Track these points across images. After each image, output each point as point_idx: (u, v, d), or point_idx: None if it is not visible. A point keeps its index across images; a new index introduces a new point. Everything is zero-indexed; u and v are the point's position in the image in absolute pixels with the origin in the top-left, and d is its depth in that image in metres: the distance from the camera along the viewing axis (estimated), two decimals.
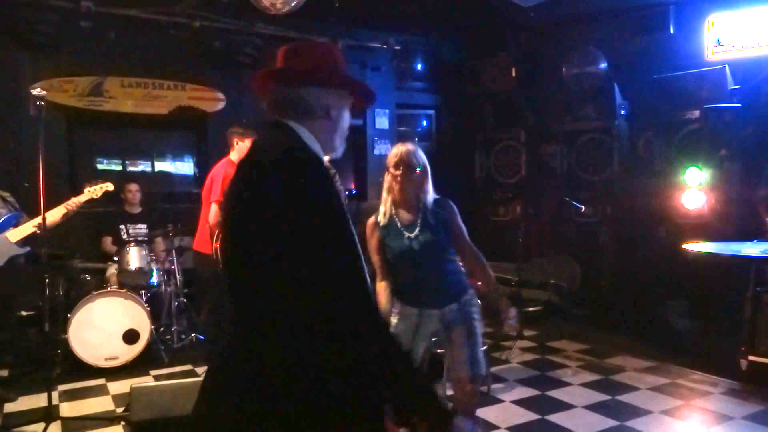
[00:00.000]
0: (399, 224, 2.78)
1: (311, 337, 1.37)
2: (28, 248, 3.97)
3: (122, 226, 5.66)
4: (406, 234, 2.76)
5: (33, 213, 3.99)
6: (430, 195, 2.80)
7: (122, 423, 3.75)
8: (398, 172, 2.71)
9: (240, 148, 4.65)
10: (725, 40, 5.35)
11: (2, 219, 3.94)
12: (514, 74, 6.84)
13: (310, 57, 1.61)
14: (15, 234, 3.92)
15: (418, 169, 2.71)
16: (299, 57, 1.60)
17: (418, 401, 1.49)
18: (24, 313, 4.57)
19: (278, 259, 1.36)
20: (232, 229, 1.50)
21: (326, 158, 1.66)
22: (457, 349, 2.80)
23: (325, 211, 1.39)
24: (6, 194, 4.07)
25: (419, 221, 2.76)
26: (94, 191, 4.34)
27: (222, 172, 4.55)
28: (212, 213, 4.48)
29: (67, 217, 4.19)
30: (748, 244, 4.29)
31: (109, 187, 4.49)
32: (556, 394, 4.27)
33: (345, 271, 1.40)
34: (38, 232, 3.85)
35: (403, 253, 2.77)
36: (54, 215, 4.08)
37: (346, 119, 1.65)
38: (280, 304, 1.39)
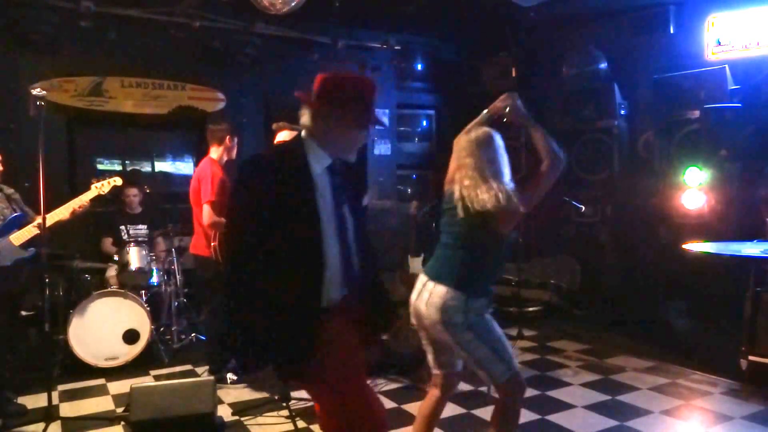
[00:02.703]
0: None
1: None
2: (32, 250, 3.93)
3: (122, 227, 5.66)
4: None
5: (34, 213, 3.98)
6: None
7: (122, 423, 3.74)
8: None
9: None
10: (725, 40, 5.35)
11: (6, 221, 3.89)
12: (514, 74, 6.84)
13: (344, 93, 2.06)
14: (19, 237, 3.88)
15: None
16: (336, 90, 2.06)
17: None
18: (24, 313, 4.55)
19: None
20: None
21: (327, 162, 2.14)
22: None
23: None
24: (11, 191, 4.03)
25: None
26: (101, 186, 4.28)
27: (209, 172, 4.32)
28: (206, 214, 4.24)
29: (76, 215, 4.12)
30: (748, 244, 4.28)
31: (117, 181, 4.42)
32: (556, 394, 4.26)
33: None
34: (38, 231, 3.83)
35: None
36: (62, 213, 4.03)
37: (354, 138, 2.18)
38: None
